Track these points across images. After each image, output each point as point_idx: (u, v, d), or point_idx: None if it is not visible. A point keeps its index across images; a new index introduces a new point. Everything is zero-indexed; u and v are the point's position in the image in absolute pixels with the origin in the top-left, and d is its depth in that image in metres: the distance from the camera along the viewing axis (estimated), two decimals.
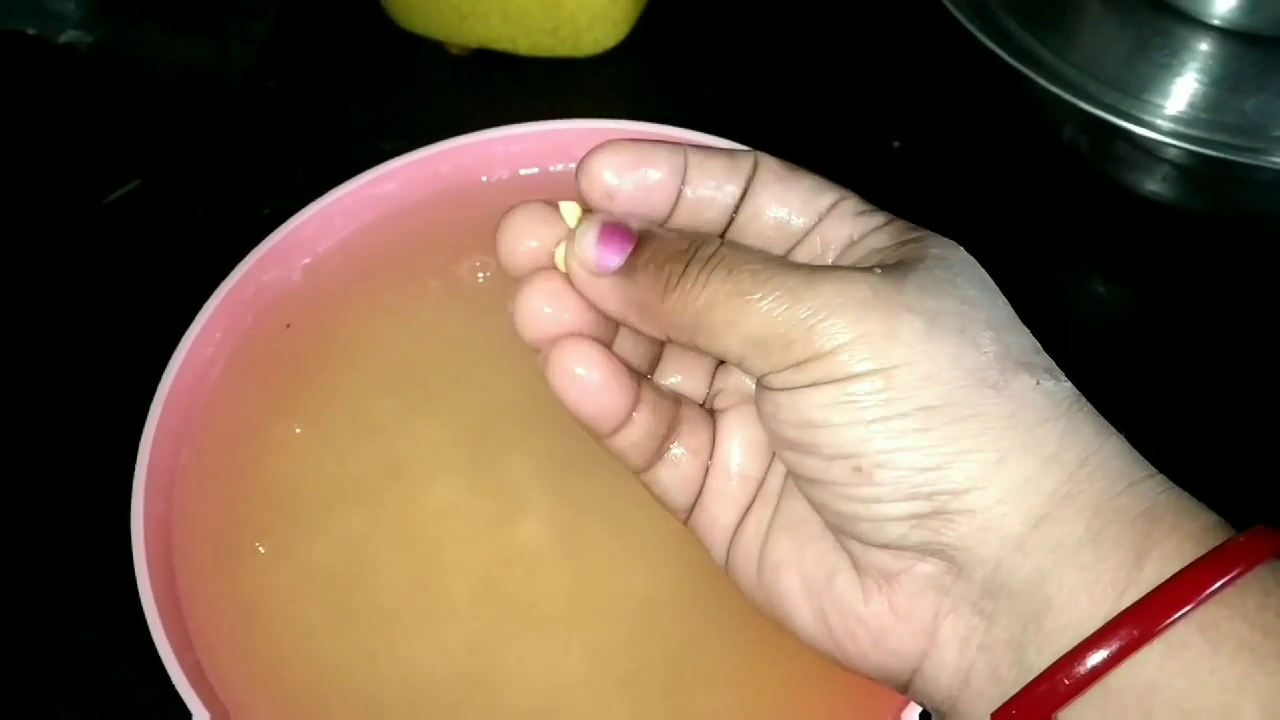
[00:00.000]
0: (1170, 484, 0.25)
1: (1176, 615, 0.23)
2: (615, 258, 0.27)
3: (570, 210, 0.28)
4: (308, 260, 0.39)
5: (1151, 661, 0.23)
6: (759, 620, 0.30)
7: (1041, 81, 0.43)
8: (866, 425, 0.24)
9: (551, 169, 0.41)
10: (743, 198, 0.28)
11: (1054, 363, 0.26)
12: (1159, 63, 0.46)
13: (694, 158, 0.28)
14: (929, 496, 0.24)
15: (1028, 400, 0.25)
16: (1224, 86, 0.46)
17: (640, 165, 0.27)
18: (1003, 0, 0.47)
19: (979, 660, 0.25)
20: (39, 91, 0.53)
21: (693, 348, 0.27)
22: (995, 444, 0.24)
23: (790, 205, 0.28)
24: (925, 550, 0.25)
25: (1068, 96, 0.43)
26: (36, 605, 0.40)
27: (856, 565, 0.26)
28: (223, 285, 0.36)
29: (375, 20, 0.54)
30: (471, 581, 0.34)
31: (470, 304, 0.38)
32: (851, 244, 0.27)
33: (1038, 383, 0.25)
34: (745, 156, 0.28)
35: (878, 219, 0.27)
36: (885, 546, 0.25)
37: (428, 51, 0.53)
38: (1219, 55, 0.47)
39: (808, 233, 0.28)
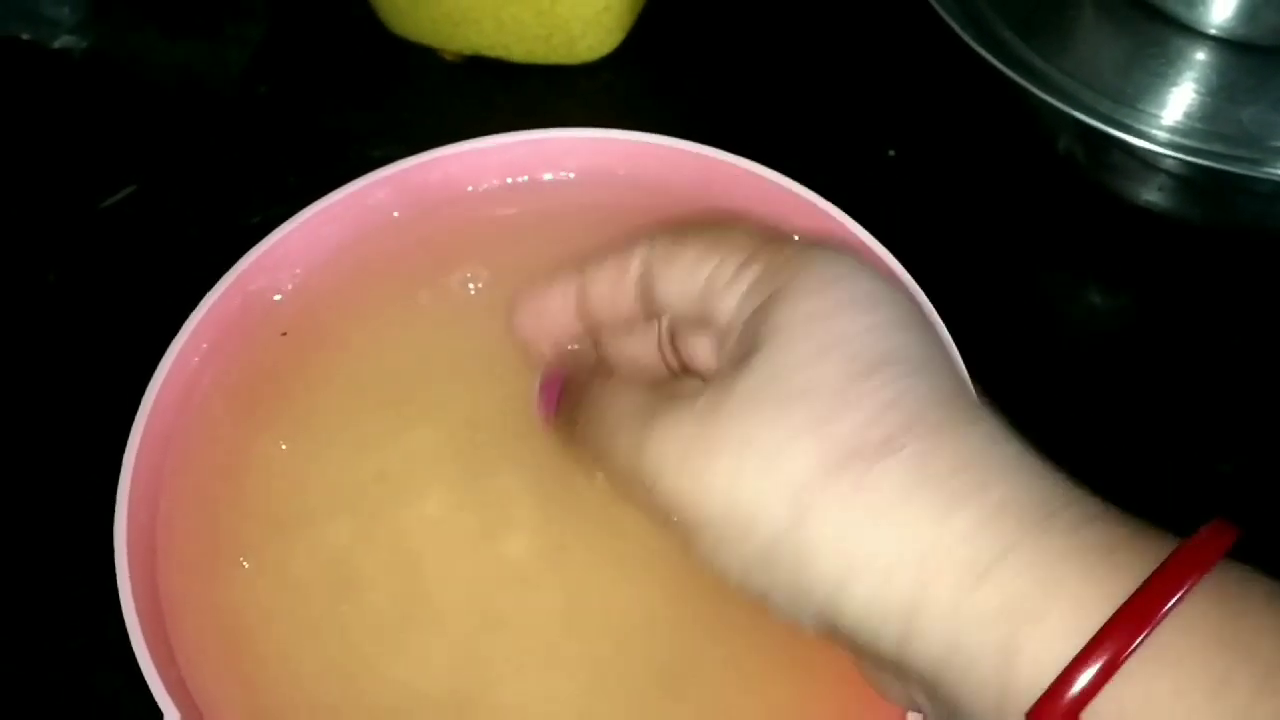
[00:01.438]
0: (1037, 551, 0.24)
1: None
2: (548, 408, 0.31)
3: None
4: (296, 270, 0.38)
5: None
6: (758, 631, 0.30)
7: (1036, 91, 0.43)
8: (731, 572, 0.26)
9: (543, 178, 0.40)
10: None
11: (901, 421, 0.25)
12: (1155, 72, 0.46)
13: (589, 273, 0.30)
14: (815, 619, 0.25)
15: (848, 511, 0.24)
16: (1220, 96, 0.46)
17: (539, 302, 0.32)
18: (998, 8, 0.47)
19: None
20: (33, 97, 0.53)
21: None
22: (832, 568, 0.25)
23: (677, 286, 0.29)
24: (854, 652, 0.27)
25: (1062, 106, 0.43)
26: (23, 614, 0.40)
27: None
28: (209, 295, 0.36)
29: (368, 26, 0.53)
30: (460, 597, 0.33)
31: (461, 315, 0.38)
32: (734, 318, 0.28)
33: (864, 474, 0.24)
34: (639, 249, 0.30)
35: (743, 282, 0.28)
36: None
37: (421, 58, 0.53)
38: (1215, 65, 0.47)
39: (708, 309, 0.29)
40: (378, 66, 0.53)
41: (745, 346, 0.26)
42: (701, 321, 0.29)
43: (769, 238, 0.28)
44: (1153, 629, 0.22)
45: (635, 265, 0.29)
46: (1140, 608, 0.22)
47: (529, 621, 0.33)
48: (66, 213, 0.49)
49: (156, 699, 0.31)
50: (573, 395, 0.29)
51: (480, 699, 0.32)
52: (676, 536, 0.27)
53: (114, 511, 0.33)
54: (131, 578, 0.32)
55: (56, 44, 0.55)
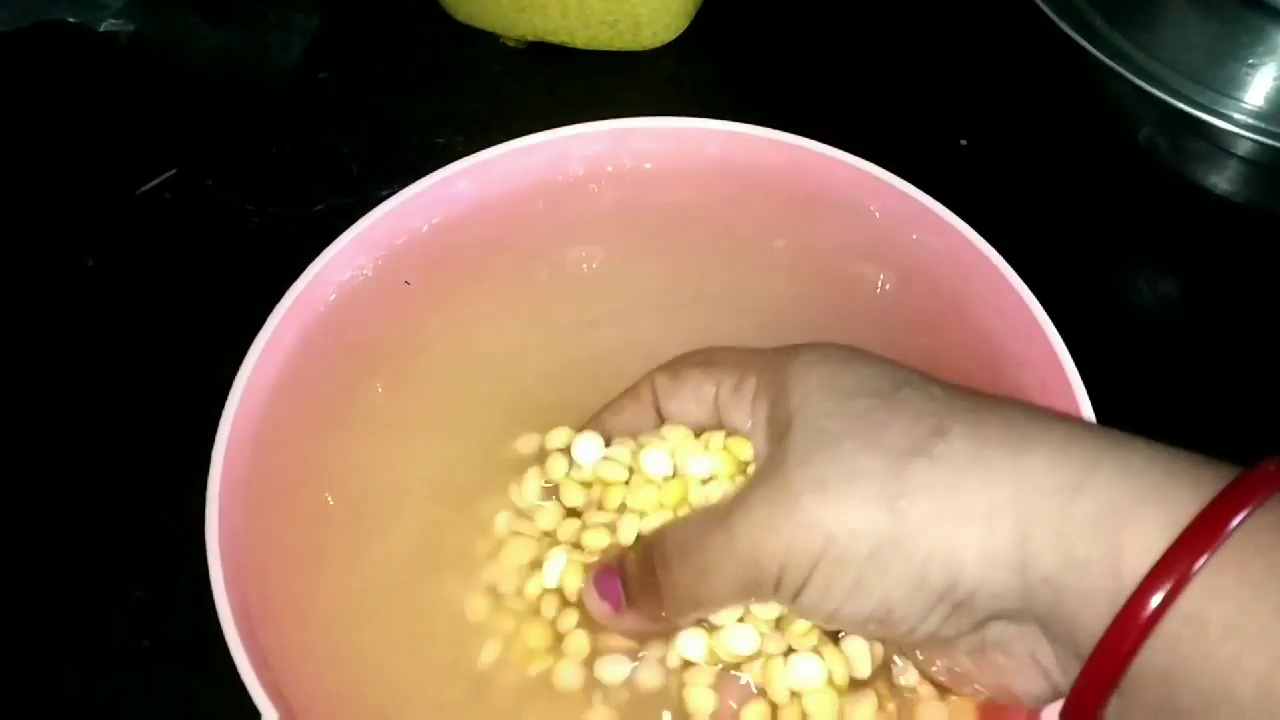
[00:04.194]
0: (1122, 464, 0.26)
1: (1157, 621, 0.24)
2: (618, 600, 0.31)
3: (555, 561, 0.32)
4: (379, 260, 0.37)
5: (1160, 651, 0.25)
6: None
7: (1127, 75, 0.42)
8: (855, 595, 0.27)
9: (625, 167, 0.40)
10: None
11: (941, 413, 0.28)
12: (1242, 58, 0.45)
13: (607, 419, 0.34)
14: (939, 602, 0.27)
15: (933, 483, 0.27)
16: None
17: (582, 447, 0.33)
18: None
19: (1070, 674, 0.27)
20: (78, 80, 0.52)
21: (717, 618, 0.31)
22: (941, 534, 0.26)
23: (690, 410, 0.32)
24: (974, 623, 0.28)
25: (1151, 89, 0.42)
26: (93, 612, 0.39)
27: (952, 658, 0.30)
28: (294, 287, 0.35)
29: (430, 12, 0.53)
30: (524, 607, 0.33)
31: (545, 308, 0.37)
32: (752, 421, 0.31)
33: (930, 458, 0.27)
34: (643, 384, 0.33)
35: (746, 391, 0.31)
36: (945, 638, 0.28)
37: (483, 45, 0.52)
38: None
39: (724, 421, 0.32)
40: (439, 53, 0.52)
41: (777, 430, 0.29)
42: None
43: (752, 354, 0.32)
44: (1245, 517, 0.24)
45: (647, 394, 0.33)
46: (1228, 503, 0.24)
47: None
48: (107, 198, 0.49)
49: (255, 699, 0.30)
50: (639, 576, 0.30)
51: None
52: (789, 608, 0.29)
53: (174, 504, 0.33)
54: (225, 579, 0.31)
55: (102, 27, 0.54)
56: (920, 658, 0.31)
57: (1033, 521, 0.26)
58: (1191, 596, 0.24)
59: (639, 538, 0.31)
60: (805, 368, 0.29)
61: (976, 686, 0.30)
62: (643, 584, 0.30)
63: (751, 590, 0.28)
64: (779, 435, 0.29)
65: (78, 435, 0.43)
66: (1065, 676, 0.27)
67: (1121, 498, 0.25)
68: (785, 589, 0.28)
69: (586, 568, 0.32)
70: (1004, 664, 0.28)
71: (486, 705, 0.32)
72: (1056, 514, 0.26)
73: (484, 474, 0.35)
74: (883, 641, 0.31)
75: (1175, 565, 0.24)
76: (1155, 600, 0.24)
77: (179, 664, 0.38)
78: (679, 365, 0.33)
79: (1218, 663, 0.24)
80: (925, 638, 0.28)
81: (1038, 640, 0.27)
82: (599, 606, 0.31)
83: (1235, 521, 0.24)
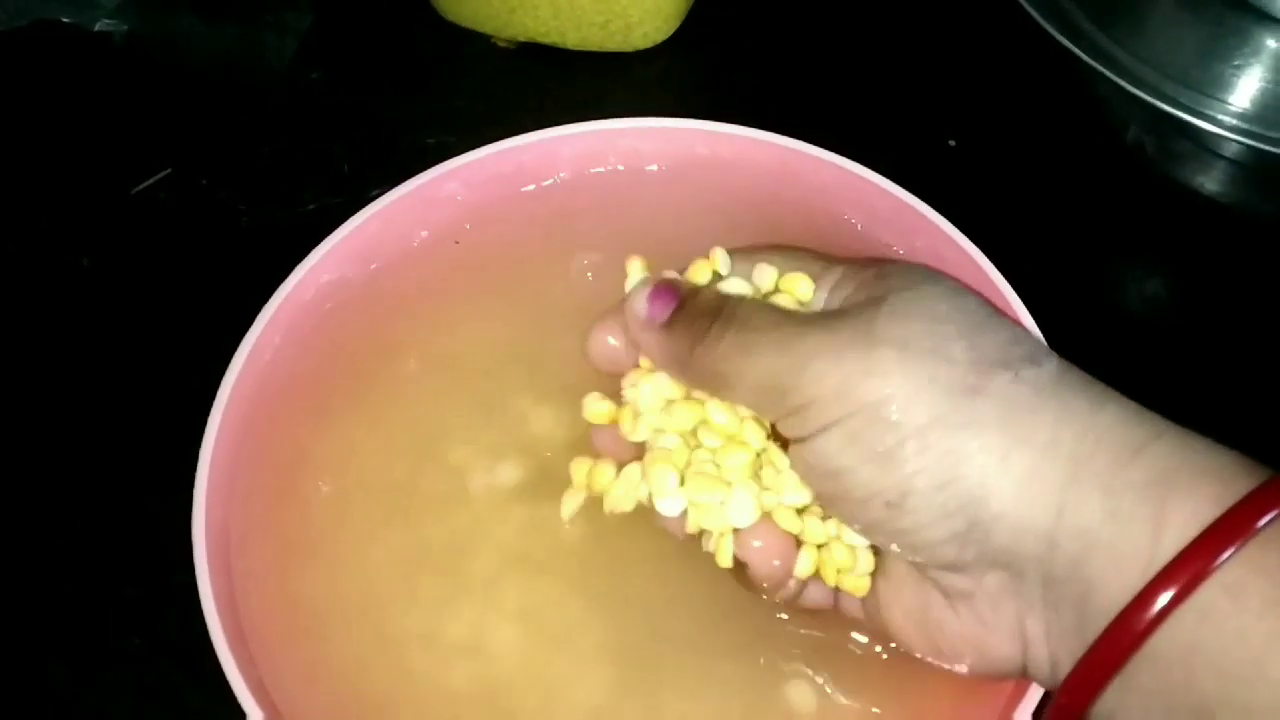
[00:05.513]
0: (1184, 439, 0.26)
1: (1196, 586, 0.24)
2: (661, 313, 0.30)
3: (635, 266, 0.32)
4: (368, 262, 0.38)
5: (1186, 626, 0.24)
6: None
7: (1113, 77, 0.42)
8: (877, 462, 0.26)
9: (617, 169, 0.40)
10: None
11: (1036, 347, 0.28)
12: (1229, 60, 0.45)
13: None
14: (958, 511, 0.26)
15: (1009, 396, 0.26)
16: None
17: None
18: None
19: (1060, 646, 0.27)
20: (72, 80, 0.52)
21: (719, 398, 0.30)
22: (994, 444, 0.26)
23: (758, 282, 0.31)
24: (984, 563, 0.27)
25: (1137, 91, 0.42)
26: (84, 612, 0.39)
27: (943, 592, 0.28)
28: (282, 287, 0.36)
29: (421, 13, 0.53)
30: (524, 598, 0.33)
31: (538, 310, 0.37)
32: (831, 297, 0.30)
33: (1016, 375, 0.26)
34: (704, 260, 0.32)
35: (829, 279, 0.30)
36: (951, 568, 0.27)
37: (474, 45, 0.52)
38: None
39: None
40: (430, 53, 0.52)
41: (870, 293, 0.28)
42: None
43: (831, 257, 0.31)
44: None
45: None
46: (1270, 493, 0.24)
47: (588, 636, 0.33)
48: (102, 197, 0.49)
49: (239, 699, 0.30)
50: (698, 306, 0.29)
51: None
52: (792, 438, 0.28)
53: (167, 504, 0.33)
54: (212, 579, 0.31)
55: (96, 27, 0.54)
56: (893, 599, 0.29)
57: (1087, 468, 0.25)
58: (1234, 568, 0.24)
59: (716, 278, 0.31)
60: (909, 270, 0.29)
61: (940, 645, 0.29)
62: (692, 322, 0.29)
63: (773, 399, 0.27)
64: (873, 298, 0.28)
65: (71, 434, 0.43)
66: (1048, 651, 0.27)
67: (1178, 467, 0.25)
68: (804, 421, 0.27)
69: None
70: (987, 620, 0.27)
71: (483, 706, 0.32)
72: (1112, 468, 0.25)
73: (478, 471, 0.35)
74: (870, 541, 0.29)
75: (1225, 534, 0.24)
76: (1198, 567, 0.24)
77: (170, 663, 0.38)
78: (749, 248, 0.32)
79: (1253, 640, 0.23)
80: (922, 548, 0.27)
81: (1032, 605, 0.27)
82: (640, 307, 0.30)
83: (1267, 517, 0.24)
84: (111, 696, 0.38)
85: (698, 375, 0.29)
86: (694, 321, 0.29)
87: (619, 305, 0.31)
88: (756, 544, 0.29)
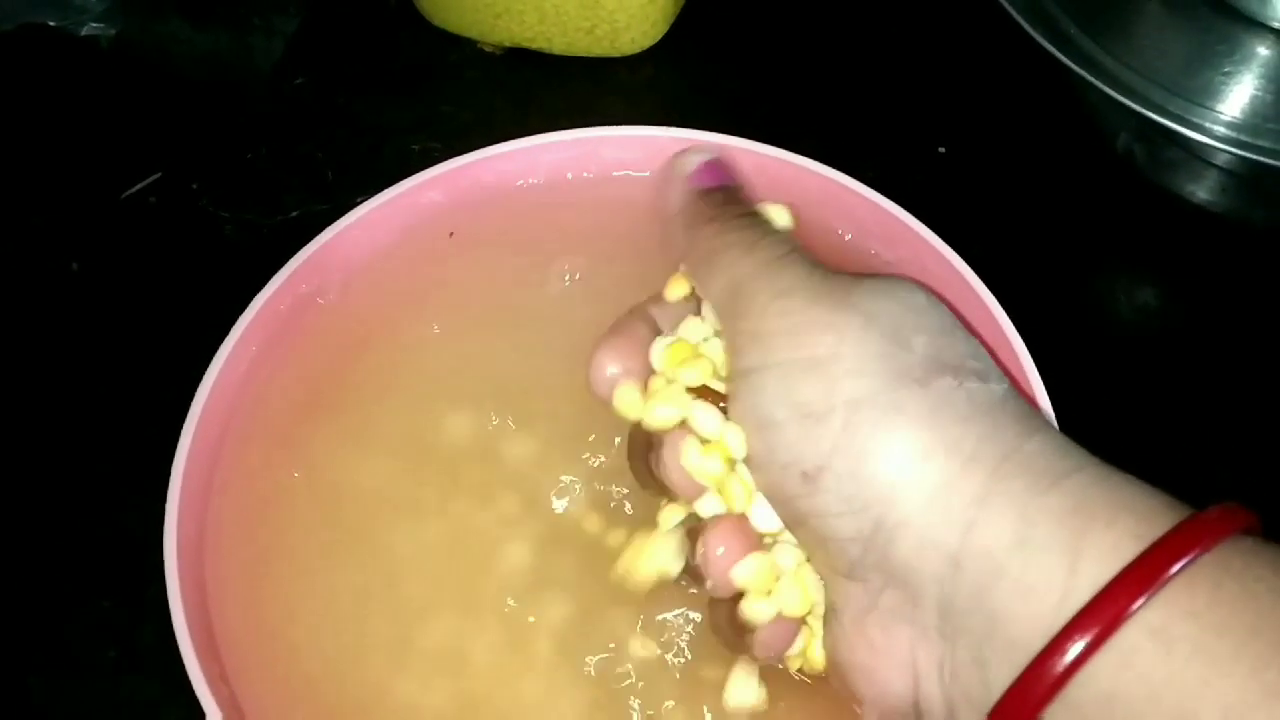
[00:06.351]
0: (1107, 474, 0.25)
1: (1116, 627, 0.22)
2: (707, 180, 0.31)
3: (680, 284, 0.32)
4: (347, 270, 0.37)
5: (1106, 671, 0.22)
6: None
7: (1100, 85, 0.42)
8: (803, 424, 0.26)
9: (588, 175, 0.39)
10: None
11: (991, 369, 0.27)
12: (1220, 68, 0.45)
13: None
14: (863, 510, 0.25)
15: (947, 398, 0.26)
16: None
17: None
18: (1063, 3, 0.46)
19: (953, 685, 0.25)
20: (59, 84, 0.52)
21: (695, 283, 0.30)
22: (916, 441, 0.25)
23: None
24: (883, 575, 0.26)
25: (1126, 101, 0.42)
26: (59, 623, 0.39)
27: (840, 608, 0.27)
28: (260, 295, 0.35)
29: (408, 18, 0.52)
30: (499, 621, 0.33)
31: (518, 318, 0.37)
32: None
33: (960, 384, 0.26)
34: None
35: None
36: (849, 575, 0.26)
37: (460, 50, 0.52)
38: None
39: None
40: (416, 59, 0.52)
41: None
42: None
43: None
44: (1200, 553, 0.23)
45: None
46: (1213, 521, 0.23)
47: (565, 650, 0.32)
48: (91, 202, 0.49)
49: (200, 698, 0.30)
50: (727, 198, 0.31)
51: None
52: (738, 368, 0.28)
53: (144, 514, 0.32)
54: (181, 582, 0.31)
55: (83, 31, 0.54)
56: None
57: (1004, 487, 0.25)
58: (1158, 610, 0.22)
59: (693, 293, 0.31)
60: (896, 275, 0.29)
61: (838, 670, 0.28)
62: (725, 203, 0.30)
63: (737, 311, 0.28)
64: (857, 276, 0.28)
65: (52, 441, 0.43)
66: (940, 691, 0.26)
67: (1099, 499, 0.24)
68: (751, 348, 0.27)
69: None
70: (878, 644, 0.26)
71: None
72: (1029, 491, 0.24)
73: (460, 480, 0.35)
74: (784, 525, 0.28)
75: (1150, 571, 0.22)
76: (1120, 606, 0.22)
77: (145, 675, 0.38)
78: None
79: (1180, 686, 0.22)
80: (829, 539, 0.26)
81: (925, 633, 0.26)
82: (691, 164, 0.31)
83: (1219, 540, 0.23)
84: (88, 709, 0.38)
85: (694, 246, 0.30)
86: (726, 204, 0.30)
87: (617, 326, 0.31)
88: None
